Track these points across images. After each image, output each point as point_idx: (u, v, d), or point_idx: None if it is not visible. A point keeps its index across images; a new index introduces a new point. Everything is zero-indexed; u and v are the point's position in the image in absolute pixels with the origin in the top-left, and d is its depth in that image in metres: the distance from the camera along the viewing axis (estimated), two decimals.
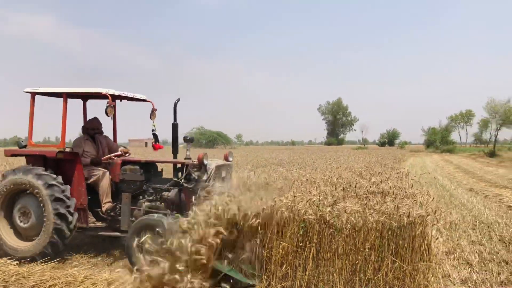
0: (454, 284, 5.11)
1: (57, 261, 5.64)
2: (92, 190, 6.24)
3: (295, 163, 17.54)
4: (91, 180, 6.20)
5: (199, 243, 4.43)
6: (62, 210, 5.63)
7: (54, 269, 5.37)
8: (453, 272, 5.46)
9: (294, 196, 4.79)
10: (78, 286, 4.74)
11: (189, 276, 4.29)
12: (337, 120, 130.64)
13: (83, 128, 6.85)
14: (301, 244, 4.60)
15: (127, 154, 6.62)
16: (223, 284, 4.48)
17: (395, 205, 4.65)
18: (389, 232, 4.50)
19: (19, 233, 5.96)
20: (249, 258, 4.69)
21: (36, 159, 6.12)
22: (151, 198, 6.07)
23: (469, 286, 5.06)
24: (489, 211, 9.78)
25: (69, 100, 6.19)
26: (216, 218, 4.62)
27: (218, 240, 4.52)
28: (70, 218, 5.70)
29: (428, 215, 4.59)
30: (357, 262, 4.50)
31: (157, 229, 5.05)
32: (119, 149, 6.74)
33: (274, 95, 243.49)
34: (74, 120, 6.48)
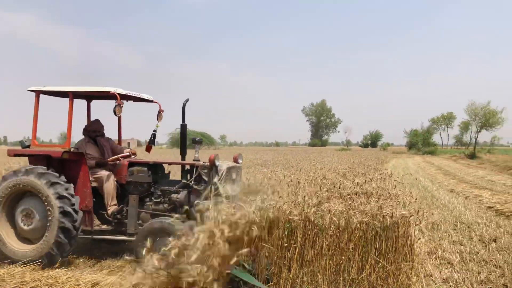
0: (435, 284, 5.19)
1: (38, 262, 5.49)
2: (97, 192, 6.06)
3: (280, 164, 17.59)
4: (96, 182, 6.04)
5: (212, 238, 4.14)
6: (67, 208, 5.43)
7: (34, 270, 5.25)
8: (435, 272, 5.54)
9: (280, 197, 4.80)
10: (61, 287, 4.65)
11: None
12: (321, 122, 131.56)
13: (84, 130, 6.60)
14: (285, 244, 4.62)
15: (133, 156, 6.48)
16: None
17: (378, 206, 4.70)
18: (373, 233, 4.55)
19: (22, 236, 5.74)
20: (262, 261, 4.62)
21: (40, 160, 5.92)
22: (158, 200, 5.91)
23: (450, 285, 5.14)
24: (469, 211, 9.95)
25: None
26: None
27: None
28: (75, 216, 5.51)
29: (410, 216, 4.66)
30: (341, 262, 4.53)
31: (170, 233, 4.85)
32: (125, 150, 6.55)
33: (258, 96, 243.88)
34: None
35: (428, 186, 15.73)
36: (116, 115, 5.68)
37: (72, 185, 5.69)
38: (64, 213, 5.43)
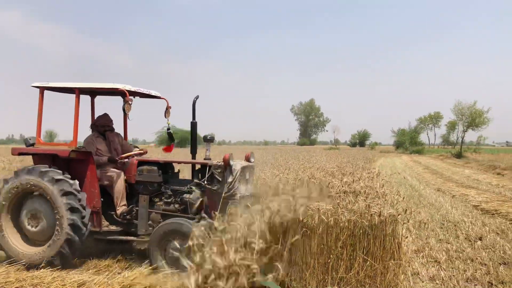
0: (423, 282, 5.23)
1: (23, 262, 5.39)
2: (104, 192, 5.87)
3: (268, 163, 17.56)
4: (105, 181, 5.86)
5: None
6: (75, 204, 5.26)
7: (19, 271, 5.16)
8: (422, 270, 5.59)
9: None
10: (47, 287, 4.59)
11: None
12: (310, 121, 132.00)
13: (92, 125, 6.37)
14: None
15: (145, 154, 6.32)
16: None
17: (366, 205, 4.73)
18: (361, 231, 4.57)
19: (28, 238, 5.57)
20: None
21: (45, 159, 5.75)
22: (169, 200, 5.77)
23: (437, 283, 5.18)
24: (456, 210, 10.06)
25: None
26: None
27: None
28: (83, 212, 5.35)
29: (398, 214, 4.69)
30: (329, 260, 4.55)
31: (187, 234, 4.73)
32: (134, 149, 6.38)
33: (248, 96, 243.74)
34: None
35: (416, 185, 15.86)
36: (125, 113, 5.50)
37: (77, 181, 5.50)
38: (72, 210, 5.27)
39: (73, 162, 5.74)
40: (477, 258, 6.15)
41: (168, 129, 6.53)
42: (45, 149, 5.78)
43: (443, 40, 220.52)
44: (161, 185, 5.85)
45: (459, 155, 42.61)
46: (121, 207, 5.83)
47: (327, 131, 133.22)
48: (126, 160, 5.99)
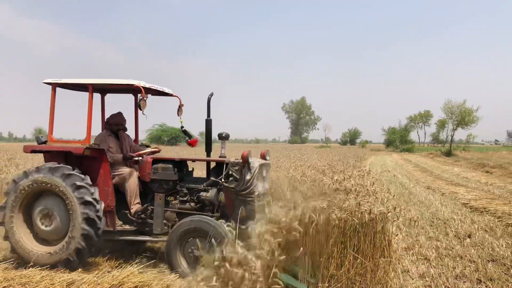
0: (412, 279, 5.26)
1: (10, 261, 5.34)
2: (117, 191, 5.74)
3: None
4: (117, 180, 5.75)
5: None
6: (92, 215, 5.16)
7: (7, 270, 5.10)
8: (412, 267, 5.62)
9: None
10: (35, 287, 4.52)
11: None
12: (301, 119, 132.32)
13: (106, 123, 6.24)
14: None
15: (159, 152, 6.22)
16: None
17: (357, 202, 4.74)
18: (351, 229, 4.58)
19: (38, 237, 5.46)
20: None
21: (57, 156, 5.60)
22: (185, 199, 5.66)
23: (426, 280, 5.21)
24: (445, 208, 10.14)
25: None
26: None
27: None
28: (98, 223, 5.24)
29: (388, 212, 4.71)
30: (320, 258, 4.55)
31: (207, 234, 4.72)
32: (147, 148, 6.28)
33: (238, 93, 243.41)
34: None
35: (406, 183, 15.97)
36: (140, 109, 5.33)
37: (97, 188, 5.39)
38: (88, 220, 5.16)
39: (86, 160, 5.60)
40: (466, 256, 6.20)
41: (182, 127, 6.39)
42: (59, 146, 5.62)
43: (434, 39, 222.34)
44: (176, 183, 5.74)
45: (448, 153, 42.98)
46: (135, 206, 5.71)
47: (318, 129, 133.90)
48: (140, 158, 5.88)
